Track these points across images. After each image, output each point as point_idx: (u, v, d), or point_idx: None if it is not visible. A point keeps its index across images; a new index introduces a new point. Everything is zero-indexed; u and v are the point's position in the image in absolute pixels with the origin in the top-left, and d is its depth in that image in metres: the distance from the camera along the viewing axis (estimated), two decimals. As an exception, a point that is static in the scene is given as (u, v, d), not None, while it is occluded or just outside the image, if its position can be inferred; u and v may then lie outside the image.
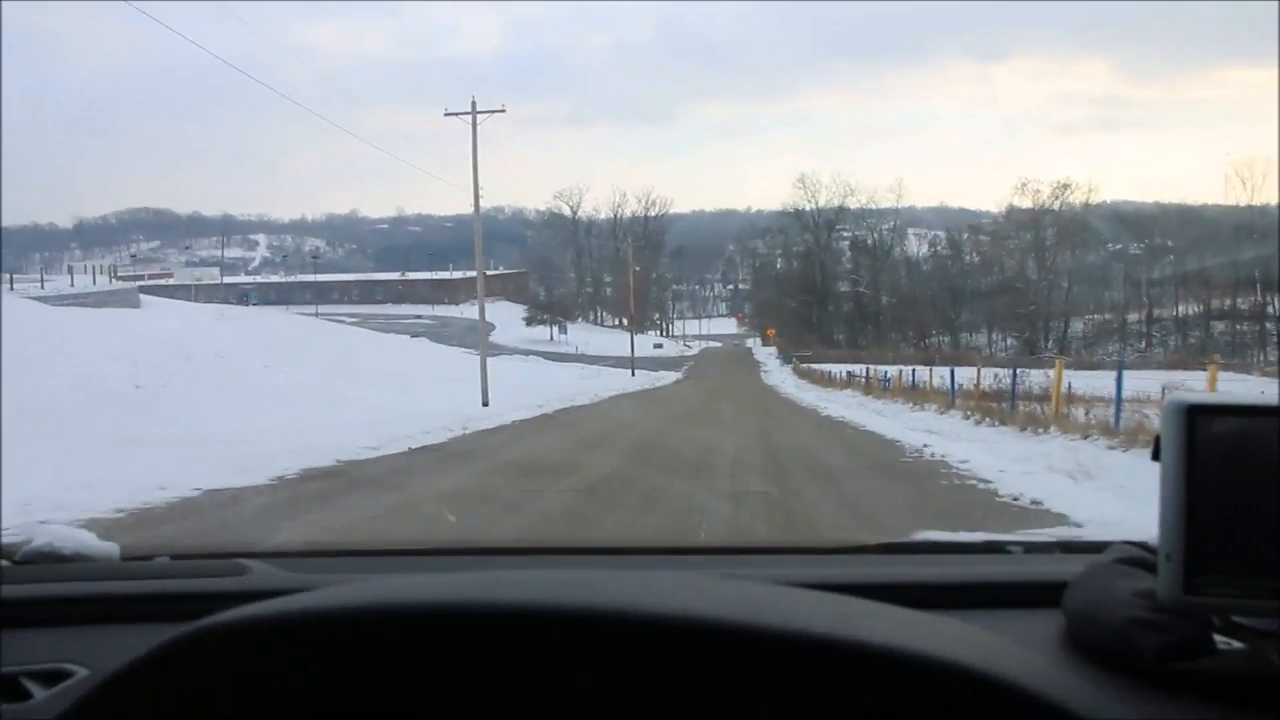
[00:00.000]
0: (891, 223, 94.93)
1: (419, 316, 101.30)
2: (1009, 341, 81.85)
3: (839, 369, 47.42)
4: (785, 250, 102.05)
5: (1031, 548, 1.21)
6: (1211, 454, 0.69)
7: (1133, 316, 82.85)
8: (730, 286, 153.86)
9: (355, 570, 1.23)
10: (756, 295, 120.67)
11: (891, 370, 41.37)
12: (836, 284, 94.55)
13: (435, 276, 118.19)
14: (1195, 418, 0.70)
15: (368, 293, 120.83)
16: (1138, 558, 0.84)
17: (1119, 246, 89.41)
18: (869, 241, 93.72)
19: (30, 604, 1.04)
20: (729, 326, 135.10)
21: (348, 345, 37.82)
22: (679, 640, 0.57)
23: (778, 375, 56.81)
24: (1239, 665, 0.70)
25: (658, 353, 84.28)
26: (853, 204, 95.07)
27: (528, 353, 70.38)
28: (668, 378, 53.81)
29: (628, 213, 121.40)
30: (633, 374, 54.94)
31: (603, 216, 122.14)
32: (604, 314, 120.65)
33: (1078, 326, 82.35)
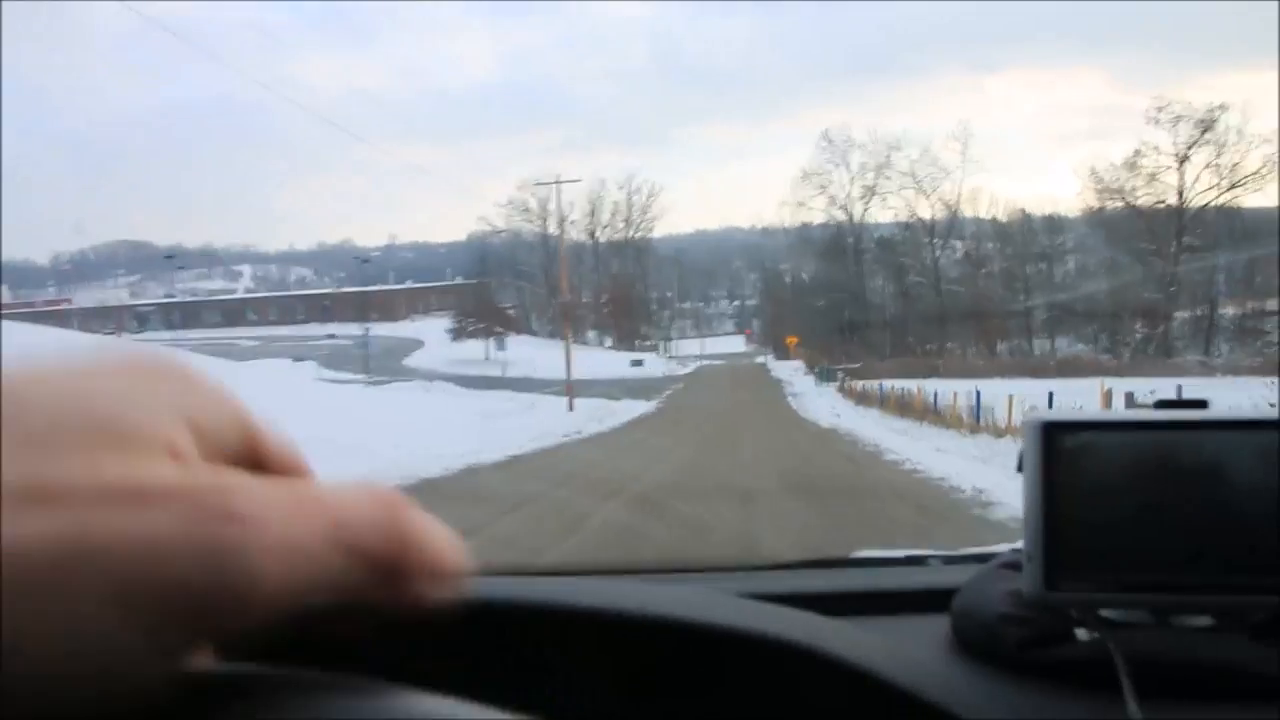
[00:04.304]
0: (956, 185, 68.92)
1: (332, 336, 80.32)
2: (1099, 343, 58.26)
3: (921, 387, 24.71)
4: (802, 239, 77.71)
5: (950, 559, 1.27)
6: (1066, 465, 0.77)
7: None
8: (736, 303, 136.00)
9: None
10: (768, 304, 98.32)
11: (1024, 389, 19.27)
12: (877, 274, 71.02)
13: (366, 290, 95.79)
14: (1051, 433, 0.77)
15: (288, 311, 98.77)
16: (1017, 561, 0.89)
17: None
18: (926, 213, 68.72)
19: None
20: (737, 345, 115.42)
21: None
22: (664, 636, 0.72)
23: (818, 401, 33.49)
24: (1084, 653, 0.78)
25: (635, 372, 61.25)
26: (900, 161, 70.41)
27: (443, 377, 47.60)
28: (628, 413, 30.88)
29: (608, 205, 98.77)
30: (570, 407, 32.23)
31: (579, 212, 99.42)
32: (583, 329, 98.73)
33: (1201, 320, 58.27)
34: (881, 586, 1.09)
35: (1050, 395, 15.84)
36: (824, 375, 44.07)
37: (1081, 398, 16.38)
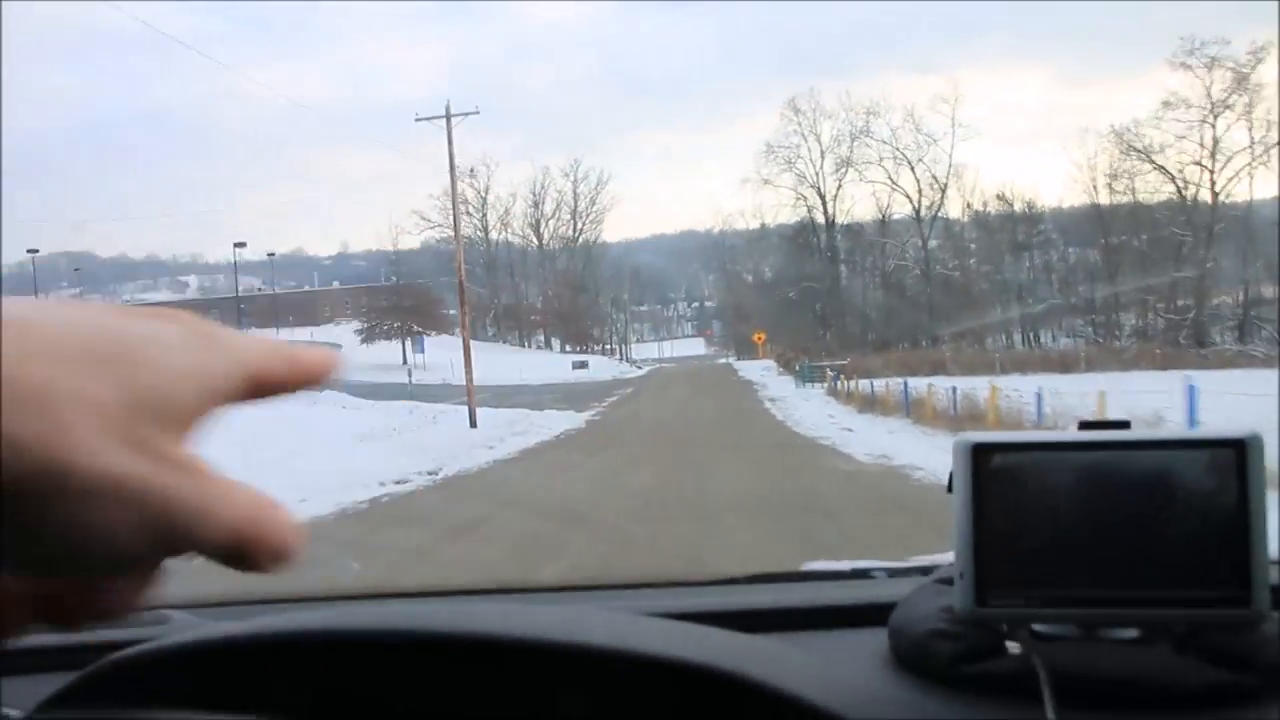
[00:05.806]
0: (946, 153, 59.24)
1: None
2: (1077, 334, 50.38)
3: (994, 385, 16.32)
4: (766, 228, 68.59)
5: (895, 573, 1.27)
6: (995, 484, 0.78)
7: None
8: (695, 305, 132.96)
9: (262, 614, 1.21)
10: (729, 302, 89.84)
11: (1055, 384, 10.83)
12: (854, 259, 62.32)
13: (280, 292, 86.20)
14: (978, 454, 0.78)
15: (203, 315, 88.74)
16: (953, 576, 0.90)
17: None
18: (910, 187, 59.23)
19: None
20: (697, 347, 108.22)
21: None
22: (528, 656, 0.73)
23: (806, 408, 25.21)
24: (1011, 666, 0.79)
25: (578, 376, 52.84)
26: (879, 129, 61.47)
27: (348, 385, 38.33)
28: (547, 429, 22.36)
29: (551, 195, 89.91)
30: (472, 424, 23.66)
31: (522, 204, 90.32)
32: (533, 331, 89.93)
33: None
34: (824, 601, 1.08)
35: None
36: (806, 375, 35.57)
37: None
